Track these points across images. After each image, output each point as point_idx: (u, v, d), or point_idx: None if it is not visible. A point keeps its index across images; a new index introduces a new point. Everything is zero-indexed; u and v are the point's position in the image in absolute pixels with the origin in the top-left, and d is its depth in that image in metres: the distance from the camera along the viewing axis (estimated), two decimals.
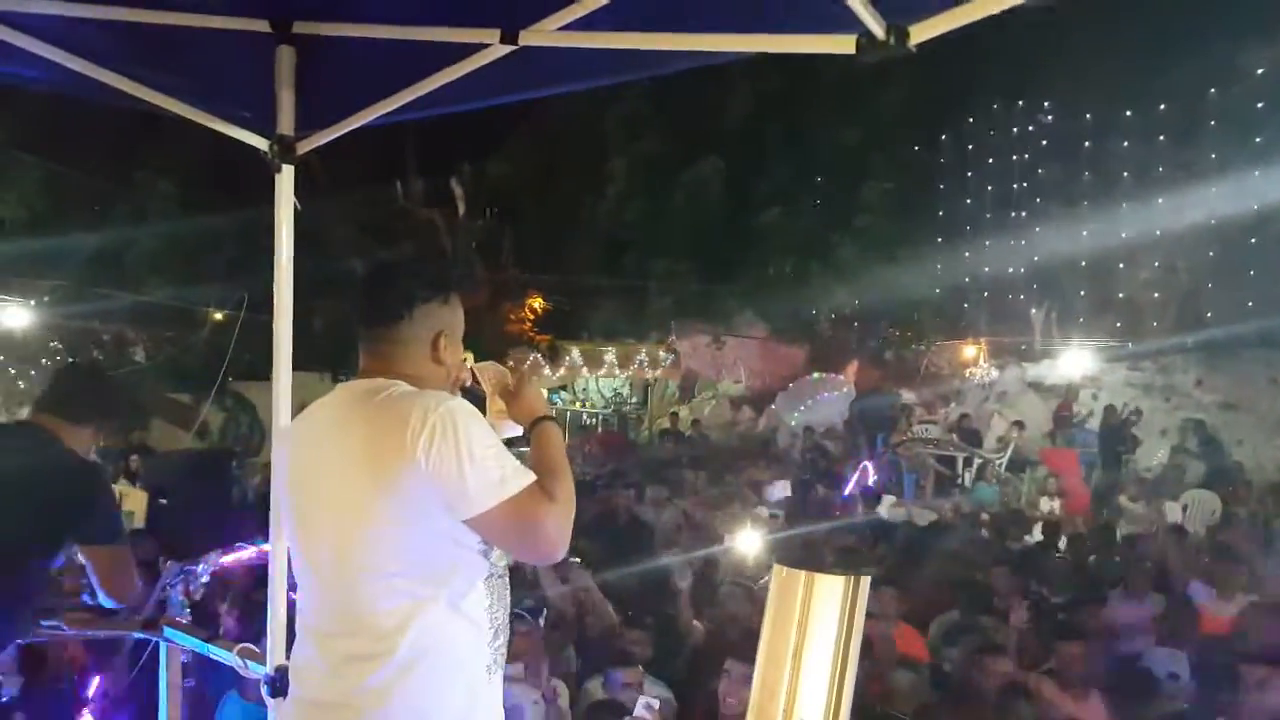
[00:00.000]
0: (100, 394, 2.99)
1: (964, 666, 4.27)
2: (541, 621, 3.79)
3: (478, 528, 1.73)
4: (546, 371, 21.38)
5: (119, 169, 16.54)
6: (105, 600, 2.83)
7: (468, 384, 2.05)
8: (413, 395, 1.79)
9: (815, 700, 1.52)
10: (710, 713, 3.71)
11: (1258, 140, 15.10)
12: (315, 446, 1.88)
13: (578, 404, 22.25)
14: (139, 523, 7.43)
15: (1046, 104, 17.97)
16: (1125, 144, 17.00)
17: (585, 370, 21.77)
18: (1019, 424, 14.19)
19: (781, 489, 9.46)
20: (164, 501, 7.55)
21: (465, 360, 2.02)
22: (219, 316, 14.98)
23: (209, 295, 14.70)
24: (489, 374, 2.10)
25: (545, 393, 2.21)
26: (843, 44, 1.67)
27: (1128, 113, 16.87)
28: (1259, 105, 15.33)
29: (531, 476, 1.76)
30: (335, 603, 1.81)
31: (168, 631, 3.09)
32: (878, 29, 1.62)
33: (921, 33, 1.64)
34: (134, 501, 7.67)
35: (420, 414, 1.71)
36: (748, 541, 6.00)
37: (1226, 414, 14.48)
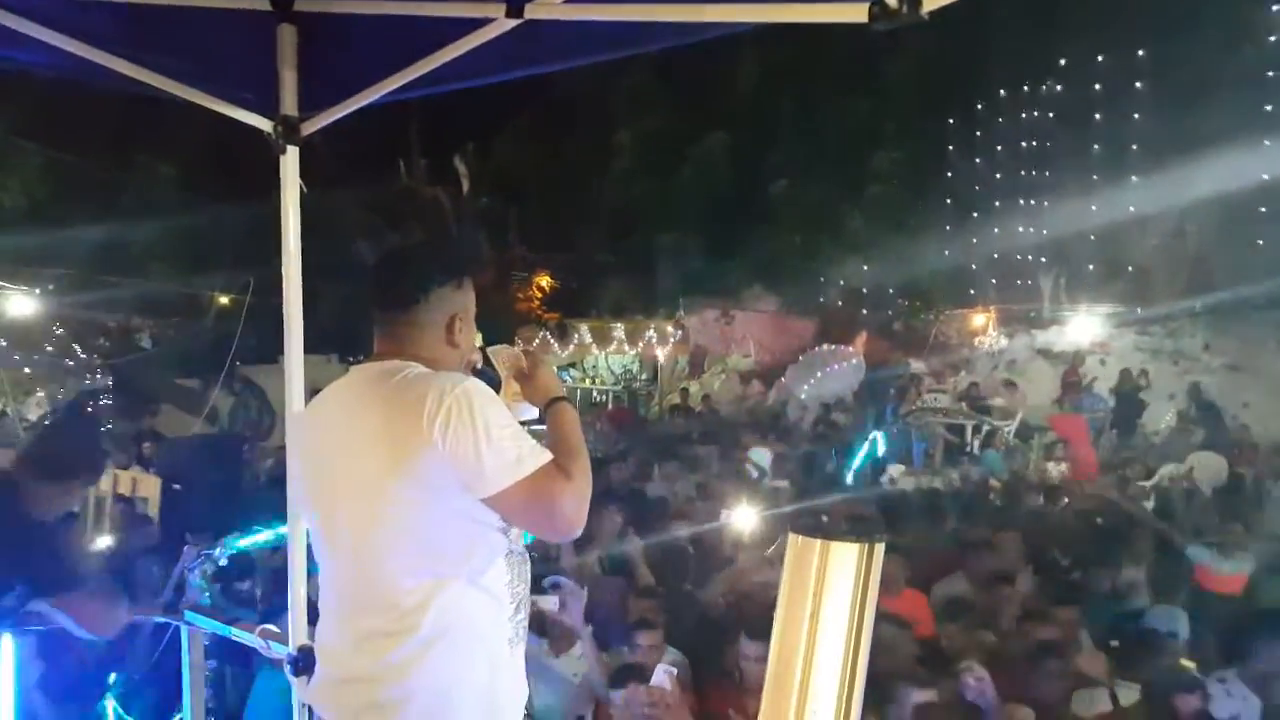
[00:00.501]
0: (70, 455, 3.10)
1: (963, 631, 4.32)
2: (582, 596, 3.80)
3: (495, 506, 1.75)
4: (556, 349, 21.41)
5: (120, 154, 16.53)
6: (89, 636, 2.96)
7: (479, 365, 2.06)
8: (429, 376, 1.81)
9: (832, 663, 1.53)
10: (724, 676, 3.76)
11: (1267, 108, 14.97)
12: (332, 429, 1.89)
13: (587, 381, 22.28)
14: (153, 509, 7.49)
15: (1057, 71, 17.80)
16: (1135, 112, 16.87)
17: (595, 347, 21.78)
18: (1010, 383, 14.23)
19: (762, 455, 9.43)
20: (177, 487, 7.59)
21: (476, 342, 2.03)
22: (225, 301, 14.99)
23: (214, 280, 14.71)
24: (503, 357, 2.11)
25: (557, 371, 2.22)
26: (855, 12, 1.65)
27: (1137, 83, 16.72)
28: (1269, 73, 15.17)
29: (548, 455, 1.77)
30: (357, 582, 1.83)
31: (189, 615, 3.11)
32: None
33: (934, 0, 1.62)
34: (147, 488, 7.72)
35: (436, 395, 1.72)
36: (753, 513, 6.05)
37: (1233, 376, 14.46)
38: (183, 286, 15.47)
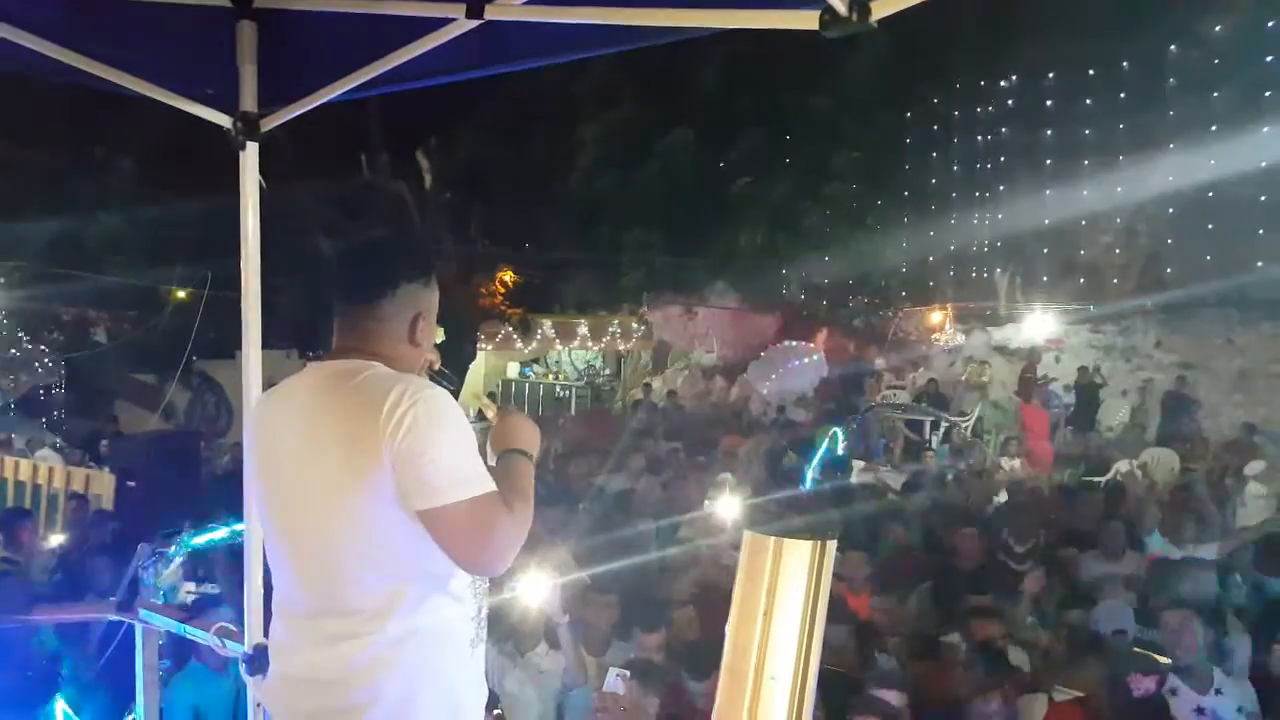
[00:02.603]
0: None
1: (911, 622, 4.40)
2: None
3: (429, 522, 1.69)
4: (519, 345, 21.36)
5: (77, 147, 16.18)
6: None
7: (436, 366, 2.05)
8: (394, 378, 1.76)
9: (785, 658, 1.57)
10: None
11: (1214, 111, 15.35)
12: (289, 428, 1.85)
13: (550, 376, 22.25)
14: (107, 505, 7.39)
15: (1011, 69, 18.09)
16: (1088, 112, 17.20)
17: (558, 342, 21.76)
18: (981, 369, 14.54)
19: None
20: (132, 484, 7.49)
21: (438, 337, 2.02)
22: (182, 295, 14.77)
23: (172, 274, 14.47)
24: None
25: (533, 431, 2.11)
26: (806, 19, 1.69)
27: (1090, 72, 17.02)
28: (1216, 63, 15.53)
29: (494, 485, 1.73)
30: (318, 584, 1.80)
31: (143, 614, 3.09)
32: (840, 5, 1.64)
33: (883, 8, 1.66)
34: (102, 484, 7.62)
35: (396, 398, 1.69)
36: (718, 508, 6.11)
37: (1184, 374, 14.80)
38: (139, 280, 15.18)
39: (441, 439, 1.69)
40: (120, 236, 16.02)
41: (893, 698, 3.35)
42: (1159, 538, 6.21)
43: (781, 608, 1.53)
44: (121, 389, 14.34)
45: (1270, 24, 15.04)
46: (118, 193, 15.90)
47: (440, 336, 2.08)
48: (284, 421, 1.88)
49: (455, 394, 1.91)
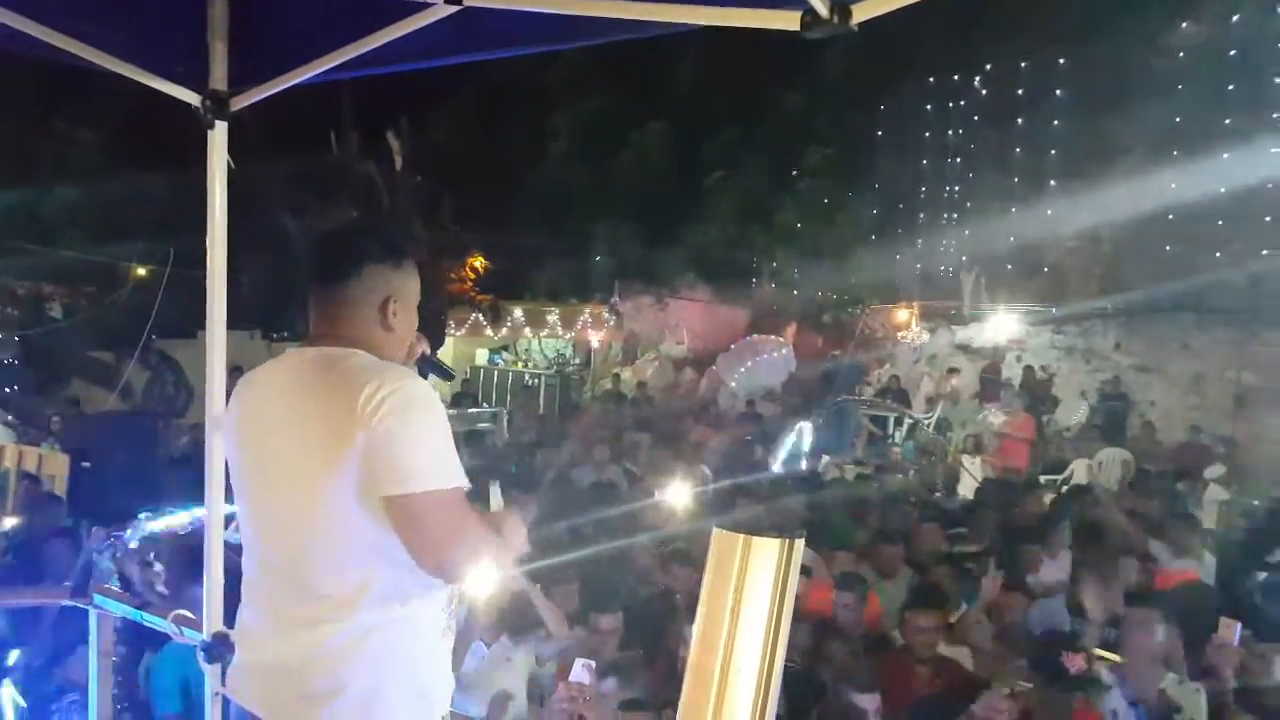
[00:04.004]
0: None
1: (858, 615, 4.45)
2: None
3: (394, 510, 1.68)
4: (488, 331, 21.25)
5: (35, 117, 15.79)
6: None
7: (428, 353, 2.04)
8: (374, 367, 1.76)
9: (751, 655, 1.58)
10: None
11: (1177, 119, 15.65)
12: (268, 413, 1.84)
13: (520, 364, 22.18)
14: (61, 488, 7.23)
15: (981, 75, 18.29)
16: (1055, 118, 17.46)
17: (528, 330, 21.68)
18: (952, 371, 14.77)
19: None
20: (87, 465, 7.35)
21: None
22: (142, 272, 14.48)
23: (132, 250, 14.18)
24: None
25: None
26: (788, 19, 1.69)
27: (1057, 90, 17.28)
28: (1180, 72, 15.84)
29: (466, 482, 1.73)
30: (289, 571, 1.80)
31: (98, 599, 3.03)
32: (822, 7, 1.64)
33: (864, 11, 1.67)
34: (55, 465, 7.45)
35: (376, 386, 1.69)
36: (682, 500, 6.15)
37: (1141, 376, 15.11)
38: (99, 256, 14.86)
39: (416, 429, 1.69)
40: (79, 210, 15.67)
41: (866, 701, 3.39)
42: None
43: (749, 605, 1.54)
44: (78, 367, 14.05)
45: (1233, 35, 15.34)
46: (78, 166, 15.55)
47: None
48: (263, 406, 1.87)
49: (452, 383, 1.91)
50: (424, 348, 2.02)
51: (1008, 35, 16.38)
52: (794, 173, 18.79)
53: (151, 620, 2.86)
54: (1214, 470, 9.39)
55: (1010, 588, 4.91)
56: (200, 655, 2.57)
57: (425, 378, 1.94)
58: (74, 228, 15.47)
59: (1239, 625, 4.03)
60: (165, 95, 2.57)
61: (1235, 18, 15.01)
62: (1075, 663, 3.51)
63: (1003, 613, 4.69)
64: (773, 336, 18.29)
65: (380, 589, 1.74)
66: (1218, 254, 14.97)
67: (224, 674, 2.15)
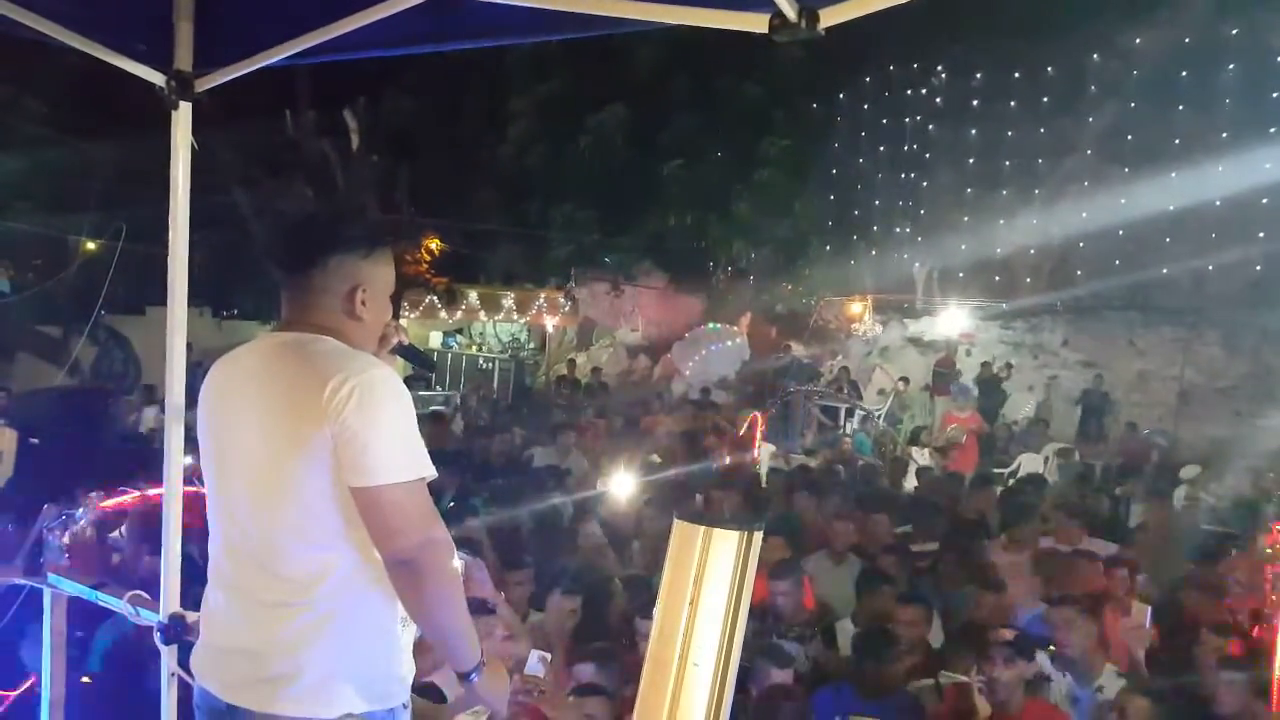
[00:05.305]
0: None
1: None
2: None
3: (361, 500, 1.70)
4: (443, 314, 21.08)
5: None
6: None
7: (405, 342, 2.05)
8: (341, 354, 1.78)
9: (709, 645, 1.62)
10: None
11: (1131, 106, 16.00)
12: (235, 396, 1.86)
13: (474, 348, 22.04)
14: (8, 464, 7.08)
15: (939, 67, 18.49)
16: (1011, 108, 17.71)
17: (483, 314, 21.55)
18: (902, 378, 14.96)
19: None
20: (35, 441, 7.20)
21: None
22: (92, 246, 14.13)
23: (82, 223, 13.81)
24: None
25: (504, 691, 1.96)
26: (756, 22, 1.74)
27: (1015, 74, 17.52)
28: (1134, 74, 16.18)
29: (431, 471, 1.75)
30: (252, 552, 1.81)
31: (52, 579, 3.00)
32: (790, 11, 1.68)
33: (831, 16, 1.71)
34: (3, 441, 7.29)
35: (343, 374, 1.71)
36: (630, 488, 6.22)
37: (1088, 372, 15.47)
38: (46, 229, 14.45)
39: (381, 419, 1.70)
40: (25, 180, 15.19)
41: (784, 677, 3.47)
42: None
43: (707, 596, 1.59)
44: (25, 342, 13.68)
45: (1187, 39, 15.71)
46: (23, 134, 15.06)
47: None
48: (231, 389, 1.88)
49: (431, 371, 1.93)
50: (401, 336, 2.03)
51: (967, 29, 16.56)
52: (751, 163, 18.85)
53: (107, 600, 2.84)
54: (1189, 470, 9.48)
55: (955, 578, 5.03)
56: (157, 636, 2.56)
57: (408, 364, 1.94)
58: (20, 199, 15.01)
59: (1150, 610, 4.25)
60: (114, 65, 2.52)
61: (1186, 20, 15.34)
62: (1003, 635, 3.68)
63: (948, 603, 4.81)
64: (726, 325, 18.42)
65: (341, 574, 1.76)
66: (1164, 252, 15.36)
67: (181, 655, 2.15)
